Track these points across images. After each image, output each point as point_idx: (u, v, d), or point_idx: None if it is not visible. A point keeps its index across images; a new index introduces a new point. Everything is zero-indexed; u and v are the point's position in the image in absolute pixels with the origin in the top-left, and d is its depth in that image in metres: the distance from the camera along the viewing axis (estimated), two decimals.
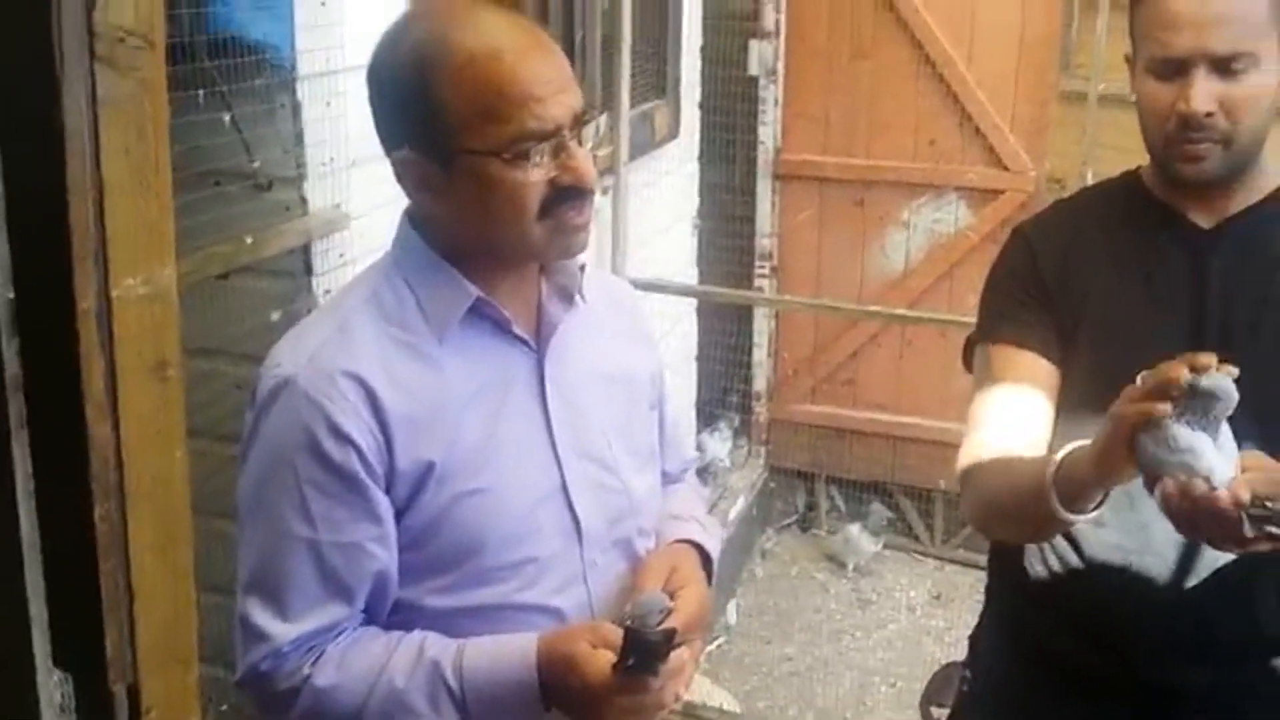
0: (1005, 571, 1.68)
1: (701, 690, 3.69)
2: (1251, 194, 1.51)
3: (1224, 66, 1.40)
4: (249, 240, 2.09)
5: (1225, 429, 1.24)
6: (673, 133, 4.08)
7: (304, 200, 2.22)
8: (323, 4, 2.17)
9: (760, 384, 4.99)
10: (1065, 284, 1.57)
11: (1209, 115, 1.41)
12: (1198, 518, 1.21)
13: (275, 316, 2.23)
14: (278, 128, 2.18)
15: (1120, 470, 1.27)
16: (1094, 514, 1.35)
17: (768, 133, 4.68)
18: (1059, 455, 1.34)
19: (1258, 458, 1.26)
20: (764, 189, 4.76)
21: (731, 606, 4.49)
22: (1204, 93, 1.41)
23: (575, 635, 1.26)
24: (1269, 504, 1.19)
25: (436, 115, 1.21)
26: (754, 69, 4.60)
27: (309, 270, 2.26)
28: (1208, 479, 1.19)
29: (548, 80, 1.22)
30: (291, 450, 1.23)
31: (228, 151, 2.15)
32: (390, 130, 1.28)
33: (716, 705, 3.51)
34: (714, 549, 1.49)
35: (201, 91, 2.02)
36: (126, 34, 0.95)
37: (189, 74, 1.98)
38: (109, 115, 1.02)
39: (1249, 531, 1.19)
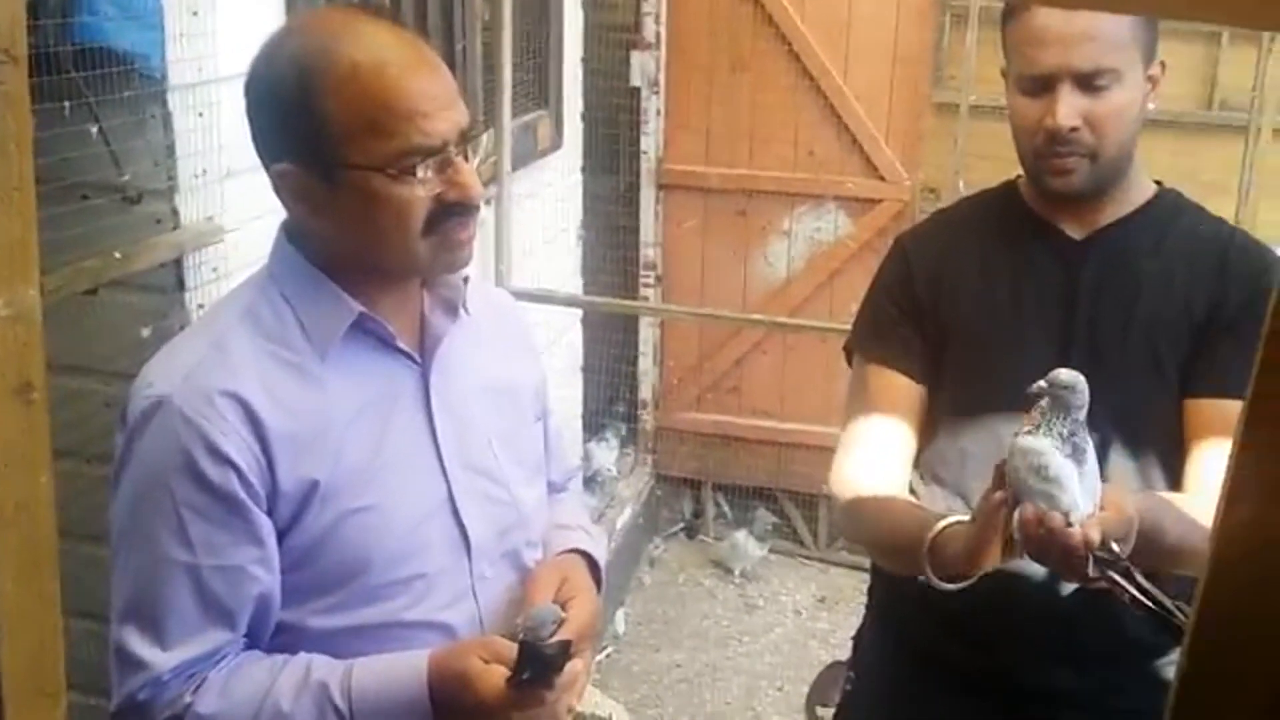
0: (886, 574, 1.72)
1: (590, 701, 3.68)
2: (1122, 206, 1.56)
3: (1088, 82, 1.45)
4: (118, 255, 2.03)
5: (1092, 460, 1.29)
6: (555, 143, 4.08)
7: (175, 213, 2.16)
8: (194, 13, 2.12)
9: (646, 393, 5.01)
10: (939, 295, 1.61)
11: (1074, 130, 1.46)
12: (1048, 548, 1.25)
13: (146, 333, 2.16)
14: (148, 139, 2.12)
15: (988, 562, 1.32)
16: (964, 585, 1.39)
17: (650, 143, 4.71)
18: (936, 527, 1.39)
19: (1117, 496, 1.31)
20: (647, 199, 4.79)
21: (620, 615, 4.49)
22: (1069, 108, 1.45)
23: (467, 651, 1.25)
24: (1116, 547, 1.24)
25: (319, 128, 1.19)
26: (636, 80, 4.62)
27: (181, 285, 2.20)
28: (1067, 514, 1.24)
29: (434, 96, 1.21)
30: (168, 473, 1.20)
31: (96, 164, 2.08)
32: (269, 142, 1.25)
33: (606, 715, 3.50)
34: (602, 557, 1.50)
35: (68, 103, 1.95)
36: None
37: (54, 85, 1.91)
38: None
39: (1092, 572, 1.23)
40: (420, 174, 1.20)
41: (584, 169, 4.48)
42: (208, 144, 2.17)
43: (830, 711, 1.85)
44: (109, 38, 1.98)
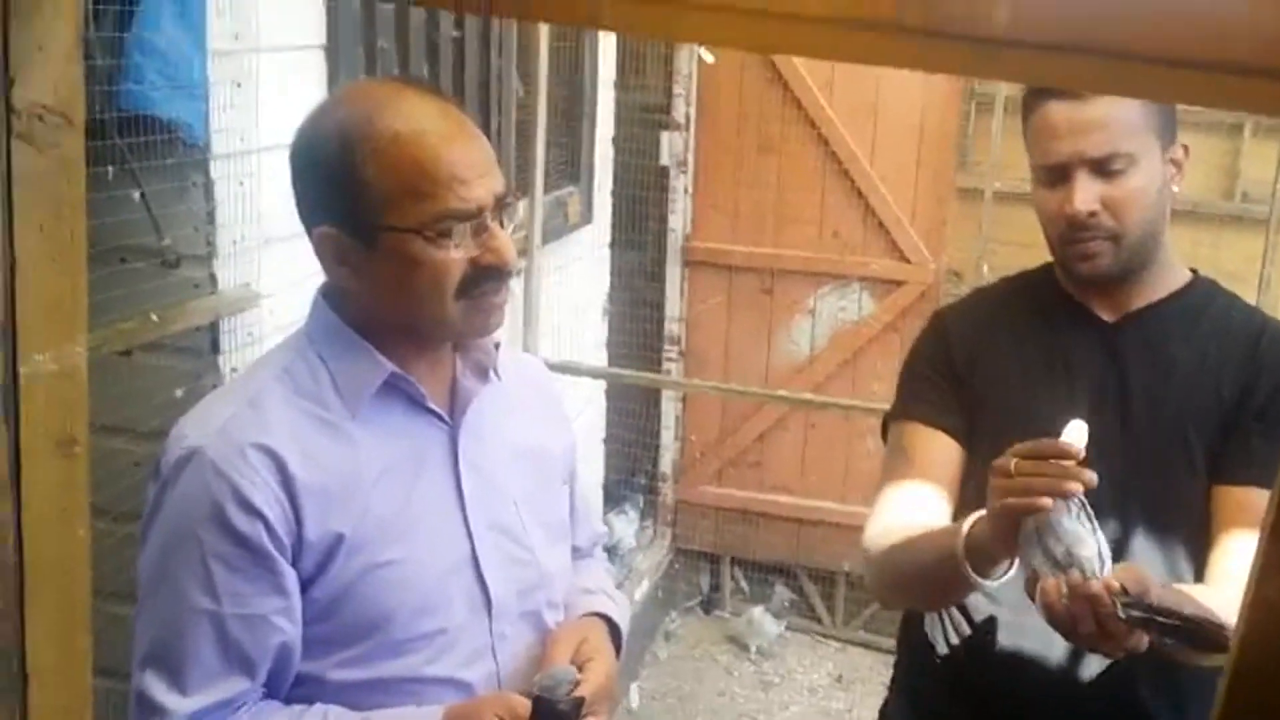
0: (912, 647, 1.73)
1: None
2: (1155, 290, 1.58)
3: (1102, 168, 1.48)
4: (155, 317, 2.07)
5: (1100, 534, 1.29)
6: (585, 218, 4.14)
7: (213, 278, 2.21)
8: (238, 85, 2.18)
9: (667, 466, 5.02)
10: (973, 368, 1.63)
11: (1092, 215, 1.48)
12: (1075, 607, 1.25)
13: (179, 394, 2.20)
14: (189, 205, 2.18)
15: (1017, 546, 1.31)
16: (1005, 577, 1.38)
17: (678, 220, 4.78)
18: (965, 526, 1.37)
19: (1129, 566, 1.32)
20: (673, 275, 4.85)
21: (634, 689, 4.46)
22: (1085, 194, 1.48)
23: (482, 707, 1.26)
24: (1141, 598, 1.24)
25: (360, 192, 1.23)
26: (665, 159, 4.71)
27: (216, 348, 2.24)
28: (1085, 569, 1.24)
29: (471, 163, 1.25)
30: (197, 523, 1.22)
31: (136, 228, 2.13)
32: (311, 207, 1.29)
33: None
34: (623, 622, 1.51)
35: (111, 168, 2.01)
36: (46, 111, 0.95)
37: (99, 150, 1.97)
38: (23, 194, 1.01)
39: (1121, 614, 1.23)
40: (456, 238, 1.24)
41: (612, 244, 4.54)
42: (246, 212, 2.23)
43: None
44: (155, 106, 2.04)
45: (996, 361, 1.62)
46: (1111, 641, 1.27)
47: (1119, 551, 1.49)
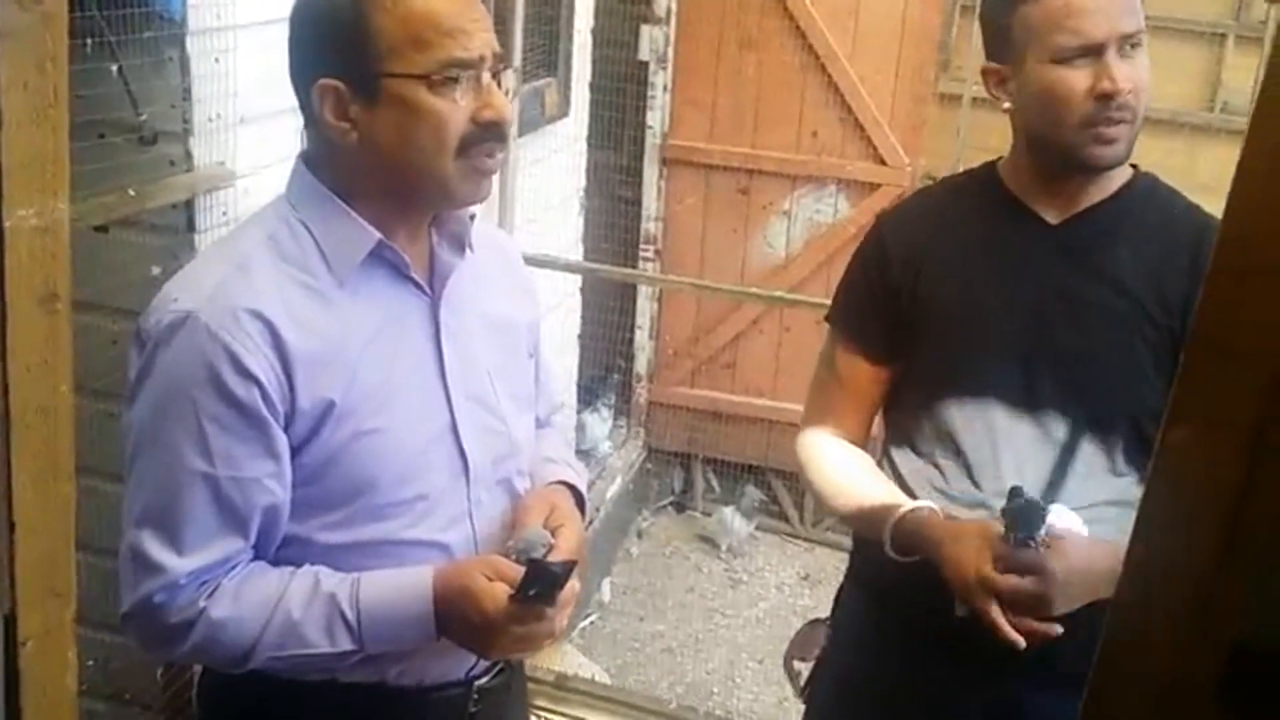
0: (865, 539, 1.78)
1: (573, 663, 3.74)
2: (1100, 190, 1.57)
3: (1128, 45, 1.46)
4: (132, 192, 2.07)
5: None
6: (563, 111, 4.11)
7: (189, 156, 2.20)
8: None
9: (641, 365, 5.06)
10: (917, 276, 1.63)
11: (1129, 93, 1.46)
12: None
13: (155, 271, 2.20)
14: (165, 81, 2.16)
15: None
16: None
17: (656, 118, 4.74)
18: (898, 514, 1.55)
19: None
20: (650, 173, 4.82)
21: (606, 584, 4.54)
22: (1121, 71, 1.46)
23: (471, 568, 1.31)
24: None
25: (366, 42, 1.25)
26: (645, 54, 4.65)
27: (191, 226, 2.24)
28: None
29: (473, 17, 1.28)
30: (192, 385, 1.24)
31: (113, 103, 2.11)
32: (312, 61, 1.29)
33: (588, 677, 3.56)
34: (583, 488, 1.57)
35: (89, 41, 1.99)
36: None
37: (76, 22, 1.94)
38: (8, 48, 1.03)
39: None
40: (459, 87, 1.26)
41: (589, 139, 4.51)
42: (223, 89, 2.20)
43: (808, 666, 1.90)
44: None
45: (940, 267, 1.63)
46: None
47: (1068, 451, 1.54)
